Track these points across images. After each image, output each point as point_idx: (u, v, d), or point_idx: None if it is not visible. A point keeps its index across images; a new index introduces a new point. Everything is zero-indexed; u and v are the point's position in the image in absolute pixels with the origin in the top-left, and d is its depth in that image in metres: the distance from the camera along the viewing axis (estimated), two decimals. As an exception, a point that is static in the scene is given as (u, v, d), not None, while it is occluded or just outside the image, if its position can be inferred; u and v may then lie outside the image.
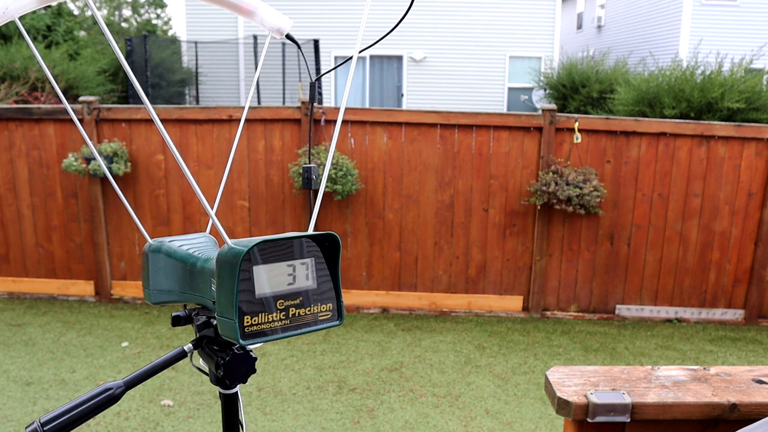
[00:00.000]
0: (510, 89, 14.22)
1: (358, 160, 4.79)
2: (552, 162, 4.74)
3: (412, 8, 0.84)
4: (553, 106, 4.74)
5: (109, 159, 4.59)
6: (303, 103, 4.84)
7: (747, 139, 4.75)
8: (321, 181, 0.74)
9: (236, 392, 0.84)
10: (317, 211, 0.72)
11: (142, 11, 25.56)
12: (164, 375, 3.70)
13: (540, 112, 4.78)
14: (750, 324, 5.02)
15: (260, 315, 0.65)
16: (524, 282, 4.99)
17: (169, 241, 0.83)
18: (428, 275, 4.98)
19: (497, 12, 13.87)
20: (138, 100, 10.77)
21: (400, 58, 14.17)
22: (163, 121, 4.75)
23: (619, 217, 4.86)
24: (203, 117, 4.79)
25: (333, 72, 13.42)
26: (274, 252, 0.66)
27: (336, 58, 13.68)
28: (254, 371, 0.78)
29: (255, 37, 13.13)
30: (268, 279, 0.66)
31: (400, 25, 0.85)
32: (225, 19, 13.56)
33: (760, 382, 1.06)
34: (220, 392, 0.84)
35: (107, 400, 0.73)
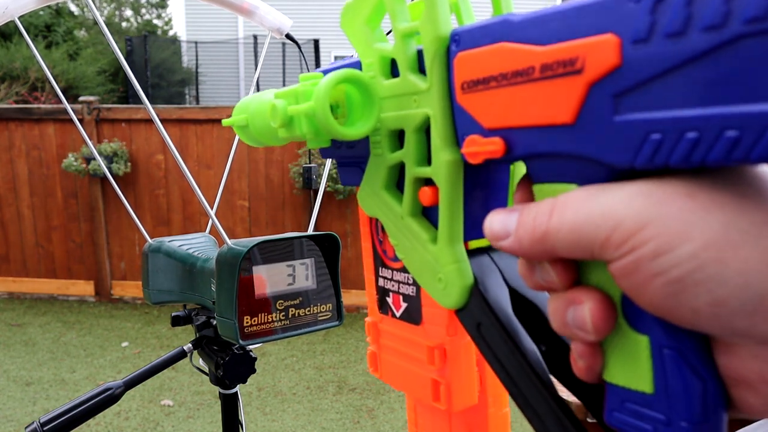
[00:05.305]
0: (510, 89, 14.22)
1: (358, 160, 4.79)
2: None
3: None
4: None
5: (109, 159, 4.59)
6: (303, 103, 4.84)
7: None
8: (321, 181, 0.74)
9: (236, 392, 0.84)
10: (317, 210, 0.72)
11: (142, 11, 25.57)
12: (164, 375, 3.70)
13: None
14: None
15: (260, 315, 0.65)
16: (524, 282, 4.99)
17: (169, 241, 0.83)
18: (428, 275, 4.97)
19: (497, 12, 13.86)
20: (138, 100, 10.78)
21: (400, 58, 14.17)
22: (163, 121, 4.75)
23: (619, 217, 4.86)
24: (203, 117, 4.79)
25: (333, 72, 13.37)
26: (273, 252, 0.66)
27: (336, 57, 13.69)
28: (254, 371, 0.78)
29: (255, 37, 13.13)
30: (268, 279, 0.66)
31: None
32: (225, 19, 13.56)
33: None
34: (219, 392, 0.84)
35: (107, 400, 0.73)
